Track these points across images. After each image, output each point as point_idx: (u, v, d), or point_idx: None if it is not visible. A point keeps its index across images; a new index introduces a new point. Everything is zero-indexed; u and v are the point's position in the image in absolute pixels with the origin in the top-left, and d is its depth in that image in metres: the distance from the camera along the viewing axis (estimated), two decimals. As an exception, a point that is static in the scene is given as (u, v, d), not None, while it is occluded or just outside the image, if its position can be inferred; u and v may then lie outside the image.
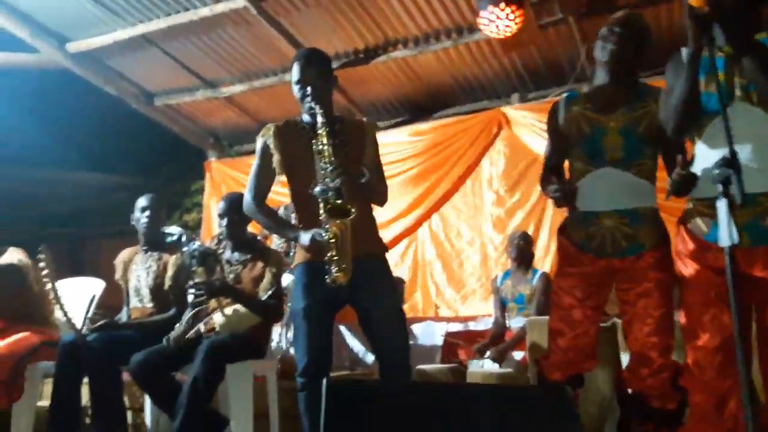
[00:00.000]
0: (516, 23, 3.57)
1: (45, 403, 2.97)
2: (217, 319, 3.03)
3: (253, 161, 2.34)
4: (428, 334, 4.73)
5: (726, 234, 1.50)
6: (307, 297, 2.16)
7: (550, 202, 4.90)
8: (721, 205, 1.52)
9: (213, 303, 3.12)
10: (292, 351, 4.20)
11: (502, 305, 4.34)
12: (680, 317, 1.98)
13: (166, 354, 2.87)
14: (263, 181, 2.30)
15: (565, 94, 2.31)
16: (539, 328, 3.54)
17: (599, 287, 2.17)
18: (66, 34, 4.79)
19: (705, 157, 1.86)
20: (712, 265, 1.82)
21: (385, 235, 4.65)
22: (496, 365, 3.84)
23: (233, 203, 3.25)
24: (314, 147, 2.13)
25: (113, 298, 3.60)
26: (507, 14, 3.54)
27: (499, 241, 5.03)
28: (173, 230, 3.52)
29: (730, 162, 1.49)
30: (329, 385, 1.39)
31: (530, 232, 4.58)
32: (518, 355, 3.97)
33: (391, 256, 4.05)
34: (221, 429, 2.81)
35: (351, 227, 2.02)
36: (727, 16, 1.70)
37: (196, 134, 6.14)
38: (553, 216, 4.79)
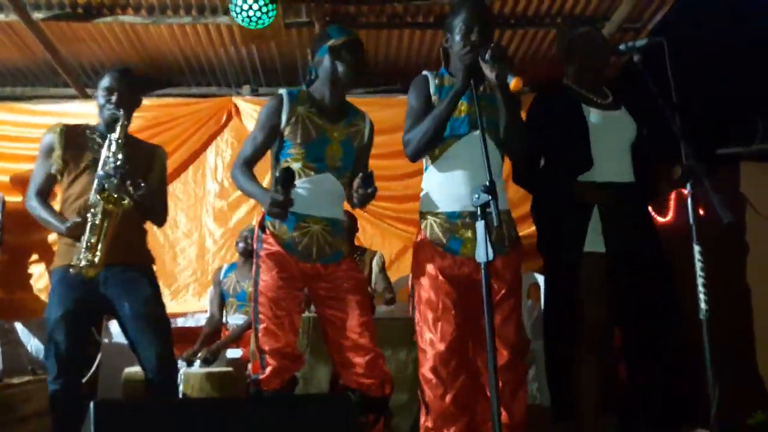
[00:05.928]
0: (269, 17, 3.52)
1: None
2: None
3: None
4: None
5: (483, 251, 1.71)
6: (63, 305, 2.17)
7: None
8: (480, 226, 1.73)
9: None
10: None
11: (222, 299, 4.22)
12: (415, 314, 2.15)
13: None
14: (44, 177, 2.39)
15: (284, 90, 2.26)
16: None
17: (300, 290, 2.23)
18: None
19: (440, 176, 2.13)
20: (448, 273, 2.08)
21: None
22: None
23: None
24: (101, 152, 2.29)
25: None
26: (261, 7, 3.46)
27: (220, 234, 4.87)
28: None
29: (489, 189, 1.70)
30: (98, 405, 1.30)
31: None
32: (236, 353, 3.91)
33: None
34: None
35: (117, 226, 2.15)
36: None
37: None
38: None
